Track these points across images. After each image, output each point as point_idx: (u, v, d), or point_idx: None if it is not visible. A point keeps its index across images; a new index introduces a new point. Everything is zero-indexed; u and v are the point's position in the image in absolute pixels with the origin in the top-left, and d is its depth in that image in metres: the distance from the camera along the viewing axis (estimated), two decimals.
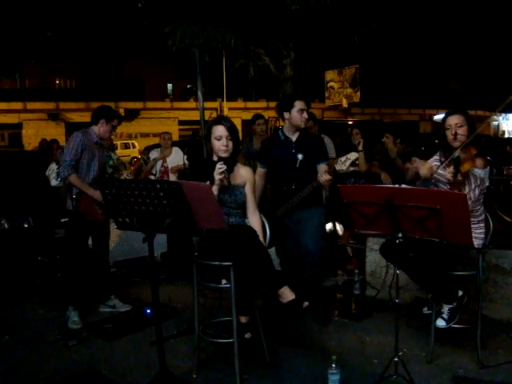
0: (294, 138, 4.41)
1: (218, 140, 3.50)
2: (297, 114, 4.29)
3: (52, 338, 4.25)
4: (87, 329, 4.44)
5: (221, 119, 3.62)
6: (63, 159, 4.48)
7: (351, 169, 4.15)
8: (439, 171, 3.63)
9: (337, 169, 4.05)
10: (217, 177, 3.37)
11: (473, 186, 3.52)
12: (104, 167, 4.88)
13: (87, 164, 4.54)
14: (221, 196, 3.54)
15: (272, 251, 5.22)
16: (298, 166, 4.31)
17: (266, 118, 7.41)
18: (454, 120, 3.63)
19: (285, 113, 4.37)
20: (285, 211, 4.41)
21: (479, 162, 3.51)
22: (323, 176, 4.09)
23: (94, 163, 4.59)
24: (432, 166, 3.61)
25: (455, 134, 3.57)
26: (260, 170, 4.57)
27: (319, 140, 4.65)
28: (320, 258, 4.49)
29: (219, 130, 3.49)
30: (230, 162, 3.56)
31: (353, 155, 4.02)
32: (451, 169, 3.37)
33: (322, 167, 4.30)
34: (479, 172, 3.51)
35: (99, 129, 4.62)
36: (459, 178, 3.39)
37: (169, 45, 6.15)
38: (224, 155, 3.49)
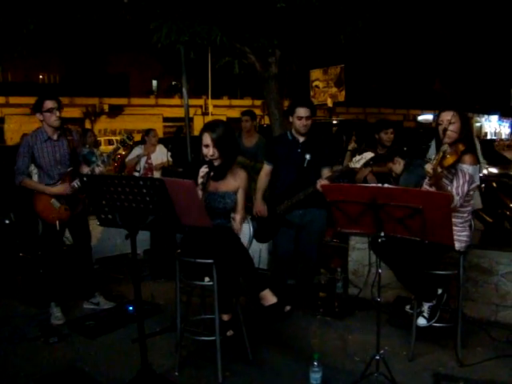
0: (301, 139, 4.52)
1: (206, 147, 3.48)
2: (296, 119, 4.44)
3: (33, 335, 4.22)
4: (69, 326, 4.41)
5: (208, 127, 3.52)
6: (15, 166, 4.41)
7: (363, 168, 4.29)
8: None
9: (350, 166, 4.17)
10: (199, 180, 3.37)
11: (461, 182, 3.51)
12: (69, 159, 4.56)
13: (48, 163, 4.43)
14: (211, 203, 3.53)
15: (258, 252, 5.25)
16: (305, 165, 4.44)
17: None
18: (447, 116, 3.64)
19: (290, 116, 4.54)
20: (285, 208, 4.52)
21: (467, 158, 3.53)
22: (320, 181, 4.19)
23: (49, 161, 4.45)
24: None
25: (444, 130, 3.61)
26: (266, 168, 4.67)
27: (326, 144, 4.75)
28: (316, 262, 4.82)
29: (205, 138, 3.46)
30: (222, 169, 3.56)
31: (368, 155, 4.10)
32: (433, 162, 3.37)
33: (326, 172, 4.45)
34: (467, 168, 3.52)
35: (43, 123, 4.45)
36: (439, 170, 3.38)
37: (154, 41, 6.11)
38: (214, 163, 3.48)
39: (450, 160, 3.44)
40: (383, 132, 5.70)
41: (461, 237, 3.67)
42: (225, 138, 3.47)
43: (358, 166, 4.13)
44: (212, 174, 3.42)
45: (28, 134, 4.51)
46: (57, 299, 4.58)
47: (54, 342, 4.08)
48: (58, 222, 4.41)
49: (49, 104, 4.39)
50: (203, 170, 3.39)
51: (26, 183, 4.43)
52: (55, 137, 4.50)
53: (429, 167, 3.38)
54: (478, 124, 46.91)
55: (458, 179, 3.54)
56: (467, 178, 3.52)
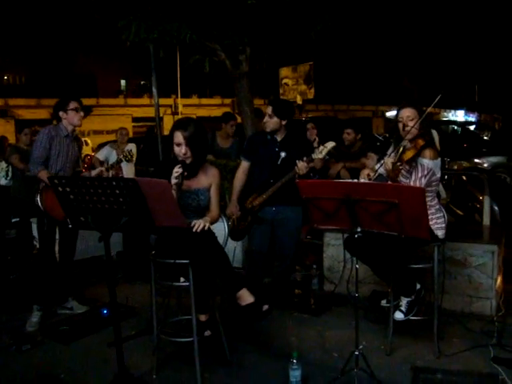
0: (279, 138, 4.49)
1: (177, 146, 3.43)
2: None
3: (4, 343, 4.11)
4: (42, 332, 4.32)
5: (179, 125, 3.47)
6: (31, 156, 4.46)
7: (327, 157, 4.29)
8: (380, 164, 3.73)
9: (313, 157, 4.12)
10: (173, 180, 3.31)
11: (419, 175, 3.60)
12: (77, 161, 4.75)
13: (55, 159, 4.48)
14: (184, 200, 3.49)
15: (233, 250, 5.21)
16: (279, 162, 4.41)
17: None
18: (406, 113, 3.73)
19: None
20: (260, 203, 4.45)
21: (427, 152, 3.59)
22: (299, 163, 4.12)
23: (62, 157, 4.52)
24: (368, 172, 3.69)
25: (404, 126, 3.66)
26: (244, 164, 4.64)
27: (304, 141, 4.71)
28: (293, 261, 4.76)
29: (177, 137, 3.41)
30: (193, 167, 3.51)
31: (329, 144, 4.08)
32: (392, 157, 3.53)
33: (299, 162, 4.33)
34: (427, 162, 3.58)
35: (65, 121, 4.55)
36: (398, 165, 3.52)
37: (123, 39, 6.01)
38: (186, 161, 3.43)
39: (409, 154, 3.54)
40: (343, 132, 5.90)
41: (440, 224, 3.74)
42: (196, 136, 3.43)
43: (321, 156, 4.12)
44: (186, 173, 3.38)
45: (46, 126, 4.60)
46: (41, 303, 4.50)
47: (27, 349, 3.98)
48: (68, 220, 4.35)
49: (74, 104, 4.56)
50: (177, 170, 3.33)
51: (42, 174, 4.36)
52: (72, 136, 4.64)
53: (388, 161, 3.53)
54: (444, 119, 47.59)
55: (417, 172, 3.61)
56: (425, 171, 3.59)
